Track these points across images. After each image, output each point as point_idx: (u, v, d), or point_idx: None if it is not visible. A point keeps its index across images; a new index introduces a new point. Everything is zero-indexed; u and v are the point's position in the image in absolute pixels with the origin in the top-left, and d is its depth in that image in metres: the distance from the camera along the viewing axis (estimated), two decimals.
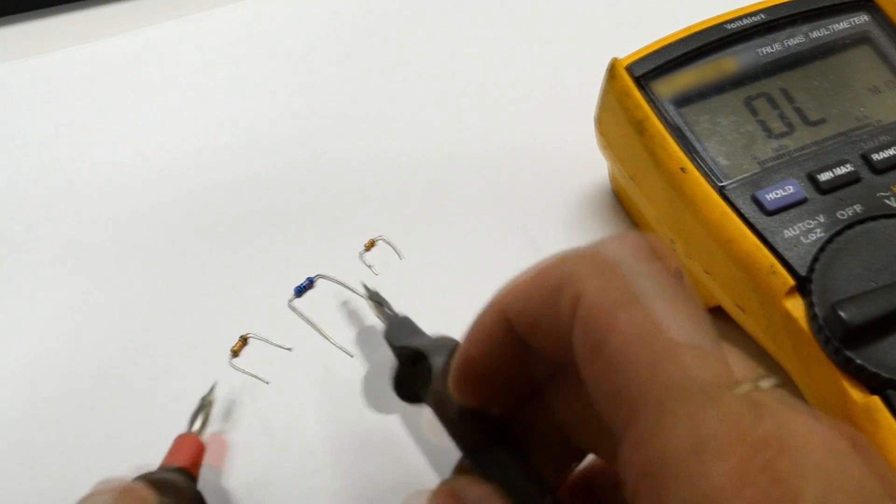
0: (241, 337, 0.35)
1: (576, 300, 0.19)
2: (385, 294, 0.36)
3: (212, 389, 0.33)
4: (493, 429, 0.23)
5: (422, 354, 0.27)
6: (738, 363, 0.19)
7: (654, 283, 0.19)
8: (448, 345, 0.27)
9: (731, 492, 0.16)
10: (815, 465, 0.16)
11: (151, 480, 0.27)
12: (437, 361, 0.26)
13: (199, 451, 0.30)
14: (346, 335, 0.35)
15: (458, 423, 0.24)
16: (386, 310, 0.34)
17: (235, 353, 0.35)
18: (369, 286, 0.35)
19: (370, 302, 0.35)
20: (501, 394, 0.23)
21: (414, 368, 0.28)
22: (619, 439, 0.18)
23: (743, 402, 0.17)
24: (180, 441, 0.30)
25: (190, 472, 0.29)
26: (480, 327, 0.22)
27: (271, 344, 0.35)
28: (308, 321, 0.36)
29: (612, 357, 0.18)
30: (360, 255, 0.38)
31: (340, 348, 0.35)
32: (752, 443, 0.17)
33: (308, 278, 0.37)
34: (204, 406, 0.32)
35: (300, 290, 0.36)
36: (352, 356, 0.35)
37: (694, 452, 0.17)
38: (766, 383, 0.18)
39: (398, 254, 0.38)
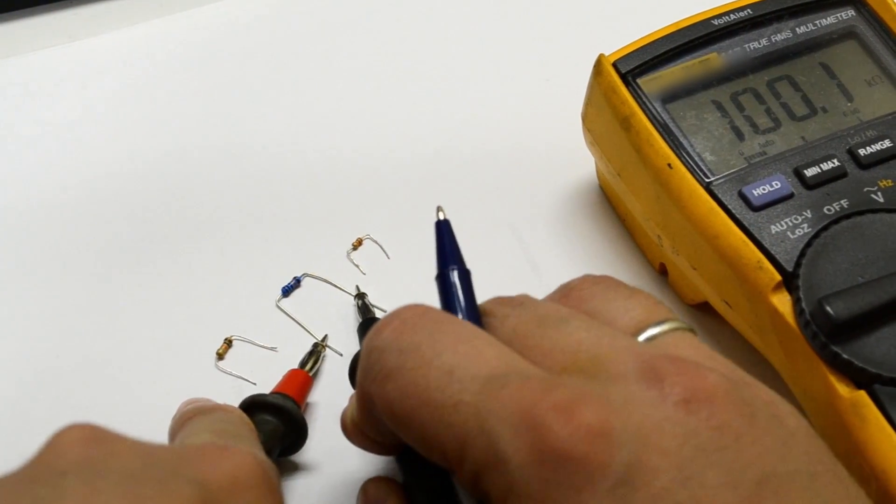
0: (226, 339, 0.35)
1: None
2: (372, 293, 0.36)
3: (325, 337, 0.35)
4: None
5: None
6: None
7: None
8: None
9: None
10: None
11: (255, 400, 0.30)
12: None
13: (306, 382, 0.33)
14: (335, 334, 0.35)
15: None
16: (367, 309, 0.35)
17: (221, 356, 0.35)
18: (360, 288, 0.36)
19: (357, 301, 0.35)
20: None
21: None
22: None
23: None
24: (290, 373, 0.33)
25: (295, 400, 0.31)
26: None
27: (256, 345, 0.35)
28: (297, 322, 0.35)
29: None
30: (348, 255, 0.37)
31: (330, 348, 0.35)
32: None
33: (295, 278, 0.36)
34: (316, 350, 0.34)
35: (287, 290, 0.36)
36: (341, 355, 0.34)
37: None
38: None
39: (385, 253, 0.37)
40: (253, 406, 0.30)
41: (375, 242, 0.38)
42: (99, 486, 0.20)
